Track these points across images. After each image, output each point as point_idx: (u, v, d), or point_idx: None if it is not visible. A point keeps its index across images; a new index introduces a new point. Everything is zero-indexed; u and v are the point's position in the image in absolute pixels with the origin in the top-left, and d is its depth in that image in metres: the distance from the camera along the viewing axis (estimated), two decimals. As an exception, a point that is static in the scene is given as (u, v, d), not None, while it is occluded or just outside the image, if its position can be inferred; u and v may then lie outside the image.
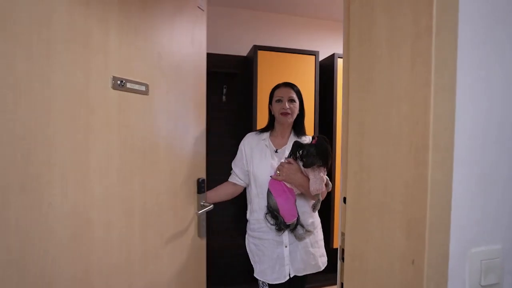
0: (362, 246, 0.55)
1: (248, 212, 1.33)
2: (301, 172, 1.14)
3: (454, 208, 0.43)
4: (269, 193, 1.18)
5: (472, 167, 0.43)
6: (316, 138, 1.14)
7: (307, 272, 1.24)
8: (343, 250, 0.65)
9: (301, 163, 1.13)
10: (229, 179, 1.37)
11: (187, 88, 1.11)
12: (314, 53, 2.17)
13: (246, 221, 1.37)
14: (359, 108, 0.56)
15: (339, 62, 2.19)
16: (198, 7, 1.13)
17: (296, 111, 1.26)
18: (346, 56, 0.60)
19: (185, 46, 1.09)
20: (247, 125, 2.24)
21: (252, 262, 1.28)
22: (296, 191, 1.18)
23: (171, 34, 1.02)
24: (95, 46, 0.77)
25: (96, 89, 0.77)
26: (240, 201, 2.21)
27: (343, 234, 0.65)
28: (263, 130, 1.34)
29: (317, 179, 1.11)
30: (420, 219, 0.42)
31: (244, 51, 2.35)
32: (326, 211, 2.23)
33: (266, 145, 1.28)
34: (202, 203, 1.17)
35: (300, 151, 1.13)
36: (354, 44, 0.56)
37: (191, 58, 1.13)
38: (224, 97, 2.30)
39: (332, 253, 2.38)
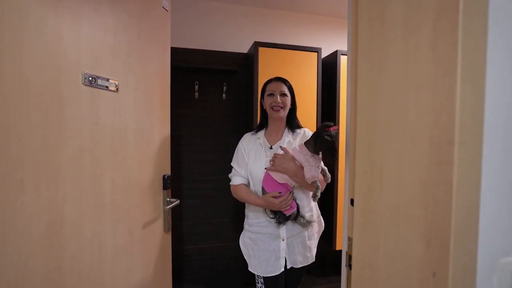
0: (372, 254, 0.50)
1: (246, 208, 1.33)
2: (294, 161, 1.12)
3: (481, 212, 0.37)
4: (264, 192, 1.19)
5: (502, 165, 0.38)
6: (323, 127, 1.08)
7: (303, 264, 1.25)
8: (350, 257, 0.60)
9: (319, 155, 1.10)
10: (240, 182, 1.28)
11: (152, 87, 1.14)
12: (317, 50, 2.11)
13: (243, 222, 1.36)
14: (368, 99, 0.50)
15: (342, 59, 2.13)
16: (163, 7, 1.18)
17: (288, 105, 1.26)
18: (354, 41, 0.54)
19: (150, 45, 1.12)
20: (248, 124, 2.19)
21: (245, 257, 1.29)
22: (292, 183, 1.15)
23: (138, 33, 1.03)
24: (67, 41, 0.77)
25: (68, 85, 0.77)
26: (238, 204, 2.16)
27: (350, 239, 0.59)
28: (258, 130, 1.33)
29: (312, 166, 1.09)
30: (444, 225, 0.36)
31: (245, 48, 2.29)
32: (328, 211, 2.18)
33: (260, 144, 1.27)
34: (168, 198, 1.22)
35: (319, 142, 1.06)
36: (363, 28, 0.50)
37: (156, 57, 1.16)
38: (224, 95, 2.25)
39: (335, 254, 2.34)
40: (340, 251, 2.07)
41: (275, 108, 1.22)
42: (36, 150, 0.69)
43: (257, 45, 2.00)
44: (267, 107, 1.26)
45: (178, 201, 1.23)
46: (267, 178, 1.17)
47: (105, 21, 0.88)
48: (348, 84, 0.58)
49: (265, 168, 1.17)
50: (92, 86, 0.82)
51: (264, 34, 2.36)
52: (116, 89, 0.92)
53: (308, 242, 1.25)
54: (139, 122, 1.05)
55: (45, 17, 0.71)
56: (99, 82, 0.85)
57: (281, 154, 1.15)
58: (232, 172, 1.31)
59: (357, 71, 0.52)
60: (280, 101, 1.21)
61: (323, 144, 1.03)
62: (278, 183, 1.14)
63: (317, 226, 1.31)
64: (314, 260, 1.29)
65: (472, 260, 0.36)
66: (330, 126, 1.07)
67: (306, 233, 1.24)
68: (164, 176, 1.21)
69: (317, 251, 2.20)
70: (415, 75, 0.41)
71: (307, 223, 1.20)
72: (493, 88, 0.36)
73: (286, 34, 2.42)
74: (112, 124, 0.92)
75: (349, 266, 0.60)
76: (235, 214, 2.31)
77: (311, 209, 1.26)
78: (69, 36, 0.77)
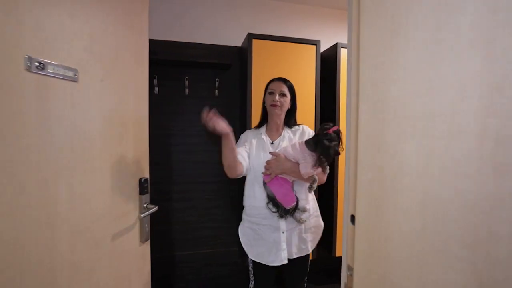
0: (382, 296, 0.35)
1: (244, 198, 1.36)
2: (287, 160, 1.19)
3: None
4: (264, 183, 1.24)
5: None
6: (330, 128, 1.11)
7: (297, 255, 1.28)
8: (350, 290, 0.45)
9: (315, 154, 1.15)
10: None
11: (126, 78, 1.00)
12: (315, 43, 1.97)
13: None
14: (375, 80, 0.36)
15: (343, 53, 1.99)
16: None
17: (286, 105, 1.33)
18: (356, 4, 0.40)
19: (123, 30, 0.97)
20: (242, 121, 2.05)
21: (245, 246, 1.32)
22: (291, 178, 1.22)
23: (104, 14, 0.89)
24: (3, 15, 0.61)
25: (4, 71, 0.62)
26: (233, 207, 2.03)
27: (350, 269, 0.45)
28: (259, 126, 1.41)
29: (308, 163, 1.15)
30: (508, 272, 0.22)
31: (238, 41, 2.15)
32: (327, 216, 2.03)
33: (263, 138, 1.34)
34: (145, 205, 1.10)
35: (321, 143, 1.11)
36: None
37: (131, 44, 1.02)
38: (216, 91, 2.11)
39: (335, 260, 2.18)
40: (340, 257, 1.93)
41: (273, 106, 1.30)
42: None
43: (250, 37, 1.86)
44: (267, 104, 1.33)
45: (156, 208, 1.09)
46: (272, 182, 1.21)
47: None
48: (350, 61, 0.44)
49: (262, 173, 1.22)
50: (39, 74, 0.68)
51: (258, 26, 2.22)
52: (75, 78, 0.78)
53: (304, 235, 1.28)
54: (107, 118, 0.91)
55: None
56: (50, 69, 0.71)
57: (273, 160, 1.21)
58: None
59: (359, 42, 0.38)
60: (278, 100, 1.29)
61: (324, 150, 1.09)
62: (282, 181, 1.20)
63: (314, 221, 1.33)
64: (309, 252, 1.32)
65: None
66: (329, 127, 1.11)
67: (303, 226, 1.28)
68: (140, 179, 1.07)
69: (316, 258, 2.05)
70: (449, 34, 0.26)
71: (303, 218, 1.24)
72: None
73: (282, 26, 2.28)
74: (71, 119, 0.78)
75: (350, 302, 0.46)
76: (229, 218, 2.17)
77: (308, 201, 1.29)
78: (6, 6, 0.62)
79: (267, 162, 1.22)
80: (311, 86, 1.95)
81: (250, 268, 1.34)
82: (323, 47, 2.16)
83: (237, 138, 1.33)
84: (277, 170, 1.18)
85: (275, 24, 2.26)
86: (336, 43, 1.99)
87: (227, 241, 2.18)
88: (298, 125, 1.39)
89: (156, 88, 1.99)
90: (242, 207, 1.38)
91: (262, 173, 1.23)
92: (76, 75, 0.78)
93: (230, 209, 2.18)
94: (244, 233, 1.33)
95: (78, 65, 0.79)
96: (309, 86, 1.95)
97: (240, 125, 2.10)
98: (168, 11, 2.04)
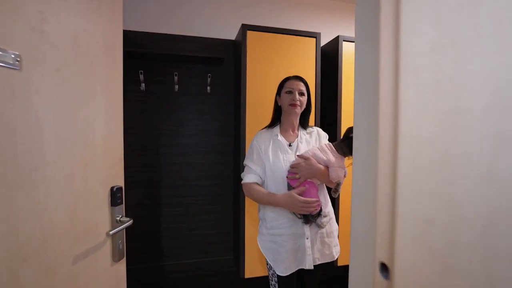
0: None
1: (262, 211, 1.28)
2: (318, 164, 1.15)
3: None
4: (290, 188, 1.18)
5: None
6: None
7: (321, 261, 1.24)
8: None
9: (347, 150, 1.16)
10: (253, 180, 1.24)
11: (93, 69, 0.85)
12: (315, 35, 1.81)
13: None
14: (437, 39, 0.20)
15: (345, 47, 1.83)
16: None
17: (305, 104, 1.27)
18: None
19: (88, 12, 0.82)
20: (236, 120, 1.89)
21: (271, 261, 1.23)
22: (317, 182, 1.19)
23: None
24: None
25: None
26: (228, 210, 1.88)
27: None
28: (271, 126, 1.32)
29: (339, 168, 1.14)
30: None
31: (232, 34, 1.99)
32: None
33: (279, 140, 1.26)
34: (118, 218, 0.93)
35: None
36: None
37: (99, 30, 0.87)
38: (208, 88, 1.95)
39: (336, 269, 2.04)
40: (343, 266, 1.78)
41: (292, 105, 1.23)
42: None
43: (245, 28, 1.70)
44: (284, 104, 1.26)
45: (130, 221, 0.93)
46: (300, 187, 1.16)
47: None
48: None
49: (287, 177, 1.17)
50: (-41, 57, 0.53)
51: (254, 17, 2.06)
52: (16, 65, 0.62)
53: (326, 240, 1.24)
54: (66, 116, 0.75)
55: None
56: (-24, 51, 0.55)
57: (304, 163, 1.14)
58: (245, 170, 1.28)
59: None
60: (298, 99, 1.23)
61: None
62: (310, 186, 1.15)
63: (333, 225, 1.30)
64: (334, 258, 1.26)
65: None
66: None
67: (324, 230, 1.24)
68: (112, 188, 0.91)
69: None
70: None
71: (324, 223, 1.21)
72: None
73: (280, 17, 2.12)
74: (10, 117, 0.62)
75: None
76: (223, 224, 2.02)
77: (327, 205, 1.26)
78: None
79: (296, 166, 1.15)
80: (311, 82, 1.79)
81: (274, 283, 1.25)
82: (324, 40, 2.00)
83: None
84: (307, 174, 1.13)
85: (272, 15, 2.10)
86: (338, 36, 1.84)
87: (221, 249, 2.02)
88: (311, 126, 1.35)
89: (143, 84, 1.82)
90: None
91: (287, 177, 1.17)
92: (18, 60, 0.62)
93: (225, 214, 2.02)
94: (267, 248, 1.24)
95: (21, 49, 0.63)
96: (308, 82, 1.79)
97: (235, 124, 1.94)
98: (156, 1, 1.87)
